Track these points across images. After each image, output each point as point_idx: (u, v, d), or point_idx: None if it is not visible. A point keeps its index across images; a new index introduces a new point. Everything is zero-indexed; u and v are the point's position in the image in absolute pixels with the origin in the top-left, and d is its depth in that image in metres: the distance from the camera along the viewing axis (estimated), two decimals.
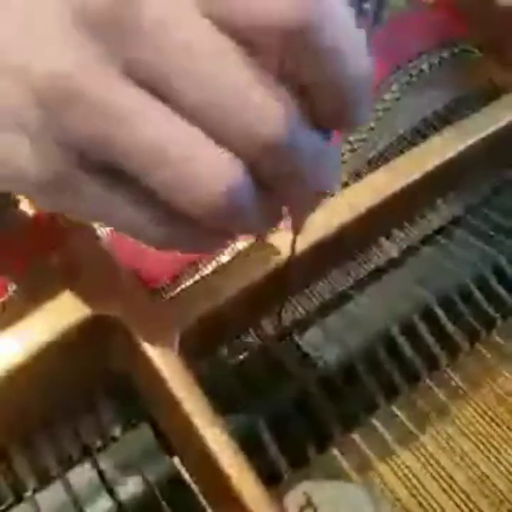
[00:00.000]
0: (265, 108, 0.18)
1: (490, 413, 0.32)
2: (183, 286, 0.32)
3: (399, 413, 0.31)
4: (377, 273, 0.34)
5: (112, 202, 0.20)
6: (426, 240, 0.35)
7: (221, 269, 0.29)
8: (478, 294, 0.32)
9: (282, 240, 0.28)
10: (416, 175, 0.33)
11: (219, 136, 0.19)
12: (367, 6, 0.22)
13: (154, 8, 0.18)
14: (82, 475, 0.27)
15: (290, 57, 0.18)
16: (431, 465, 0.30)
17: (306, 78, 0.19)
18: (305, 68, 0.19)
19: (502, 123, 0.35)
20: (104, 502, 0.27)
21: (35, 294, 0.30)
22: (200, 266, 0.33)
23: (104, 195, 0.20)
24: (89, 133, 0.19)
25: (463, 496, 0.29)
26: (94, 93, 0.18)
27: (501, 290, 0.33)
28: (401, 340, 0.31)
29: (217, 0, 0.18)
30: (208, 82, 0.18)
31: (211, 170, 0.19)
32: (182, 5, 0.18)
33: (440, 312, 0.32)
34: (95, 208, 0.21)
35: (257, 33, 0.18)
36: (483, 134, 0.34)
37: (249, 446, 0.26)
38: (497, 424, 0.31)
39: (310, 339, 0.31)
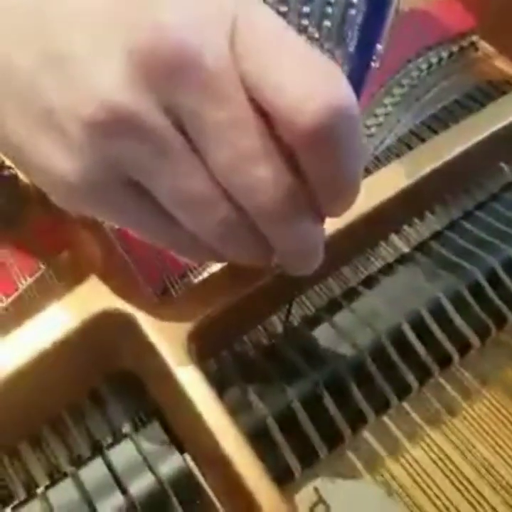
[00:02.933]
0: (270, 183, 0.21)
1: (501, 410, 0.31)
2: (193, 283, 0.32)
3: (409, 410, 0.31)
4: (387, 269, 0.34)
5: (141, 213, 0.23)
6: (436, 236, 0.35)
7: (231, 267, 0.29)
8: (489, 291, 0.32)
9: None
10: (425, 171, 0.33)
11: (227, 186, 0.22)
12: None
13: (214, 76, 0.20)
14: (93, 472, 0.27)
15: (303, 151, 0.21)
16: (442, 462, 0.30)
17: (312, 168, 0.21)
18: (314, 161, 0.21)
19: (510, 119, 0.35)
20: (115, 498, 0.27)
21: (46, 292, 0.30)
22: (209, 263, 0.33)
23: (134, 206, 0.23)
24: (130, 161, 0.21)
25: (474, 492, 0.29)
26: (142, 131, 0.20)
27: None
28: (412, 337, 0.31)
29: (266, 87, 0.20)
30: (247, 156, 0.21)
31: (218, 218, 0.22)
32: (235, 80, 0.20)
33: (451, 309, 0.31)
34: (126, 217, 0.23)
35: (286, 124, 0.20)
36: (492, 130, 0.34)
37: (260, 443, 0.26)
38: (508, 421, 0.31)
39: (319, 336, 0.31)
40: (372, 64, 0.24)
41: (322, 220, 0.24)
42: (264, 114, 0.21)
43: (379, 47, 0.23)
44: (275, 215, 0.22)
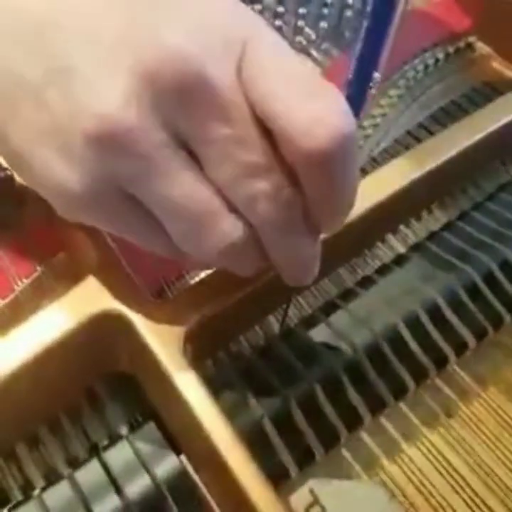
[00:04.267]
0: (272, 195, 0.22)
1: (498, 411, 0.31)
2: (188, 284, 0.32)
3: (406, 411, 0.31)
4: (384, 270, 0.34)
5: (140, 224, 0.23)
6: (432, 237, 0.35)
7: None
8: (486, 291, 0.32)
9: None
10: (421, 171, 0.33)
11: (230, 198, 0.22)
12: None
13: (219, 94, 0.20)
14: (89, 473, 0.27)
15: (307, 172, 0.21)
16: (439, 462, 0.30)
17: (312, 187, 0.22)
18: (316, 181, 0.22)
19: (507, 119, 0.35)
20: (112, 500, 0.27)
21: (42, 293, 0.30)
22: None
23: (134, 218, 0.23)
24: (130, 175, 0.21)
25: (471, 493, 0.29)
26: (143, 147, 0.21)
27: (509, 287, 0.32)
28: (408, 337, 0.31)
29: (273, 109, 0.21)
30: (250, 171, 0.21)
31: (219, 233, 0.22)
32: (240, 99, 0.21)
33: (447, 310, 0.31)
34: (125, 227, 0.24)
35: (293, 149, 0.21)
36: (489, 130, 0.34)
37: (256, 444, 0.26)
38: (505, 421, 0.31)
39: (315, 337, 0.31)
40: (370, 91, 0.24)
41: (318, 235, 0.25)
42: (266, 130, 0.21)
43: (377, 75, 0.24)
44: (275, 224, 0.22)
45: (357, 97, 0.24)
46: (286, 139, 0.21)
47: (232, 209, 0.22)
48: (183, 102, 0.20)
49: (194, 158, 0.22)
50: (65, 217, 0.24)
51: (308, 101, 0.21)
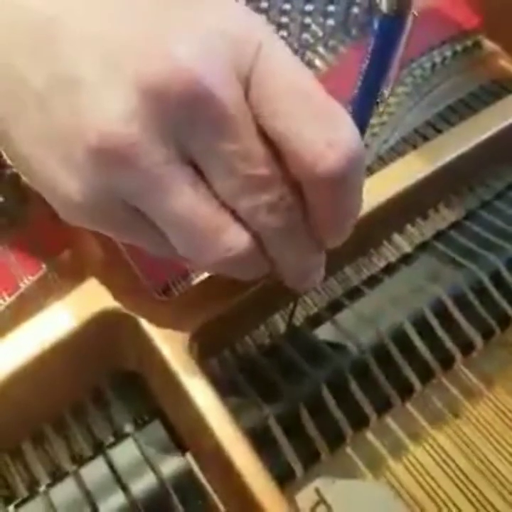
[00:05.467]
0: (275, 205, 0.22)
1: (505, 411, 0.31)
2: (194, 283, 0.32)
3: (412, 410, 0.31)
4: (390, 269, 0.33)
5: (143, 232, 0.23)
6: (439, 236, 0.35)
7: None
8: (493, 291, 0.32)
9: None
10: (429, 170, 0.32)
11: (234, 208, 0.22)
12: None
13: (225, 110, 0.20)
14: (94, 471, 0.27)
15: (318, 192, 0.22)
16: (445, 463, 0.30)
17: (319, 205, 0.22)
18: (325, 201, 0.22)
19: None
20: (117, 498, 0.27)
21: (48, 291, 0.30)
22: None
23: (136, 226, 0.23)
24: (132, 189, 0.21)
25: (477, 493, 0.29)
26: (146, 163, 0.20)
27: None
28: (414, 337, 0.31)
29: (282, 128, 0.21)
30: (255, 183, 0.21)
31: (222, 246, 0.22)
32: (246, 114, 0.21)
33: (454, 309, 0.31)
34: (129, 235, 0.24)
35: (303, 169, 0.21)
36: (497, 129, 0.34)
37: (262, 443, 0.26)
38: (511, 421, 0.31)
39: (321, 336, 0.31)
40: (377, 107, 0.24)
41: (322, 246, 0.25)
42: (270, 142, 0.21)
43: (385, 92, 0.23)
44: (279, 232, 0.23)
45: (362, 115, 0.24)
46: (294, 158, 0.21)
47: (237, 218, 0.22)
48: (187, 117, 0.20)
49: (198, 170, 0.22)
50: (67, 221, 0.24)
51: (318, 122, 0.21)
